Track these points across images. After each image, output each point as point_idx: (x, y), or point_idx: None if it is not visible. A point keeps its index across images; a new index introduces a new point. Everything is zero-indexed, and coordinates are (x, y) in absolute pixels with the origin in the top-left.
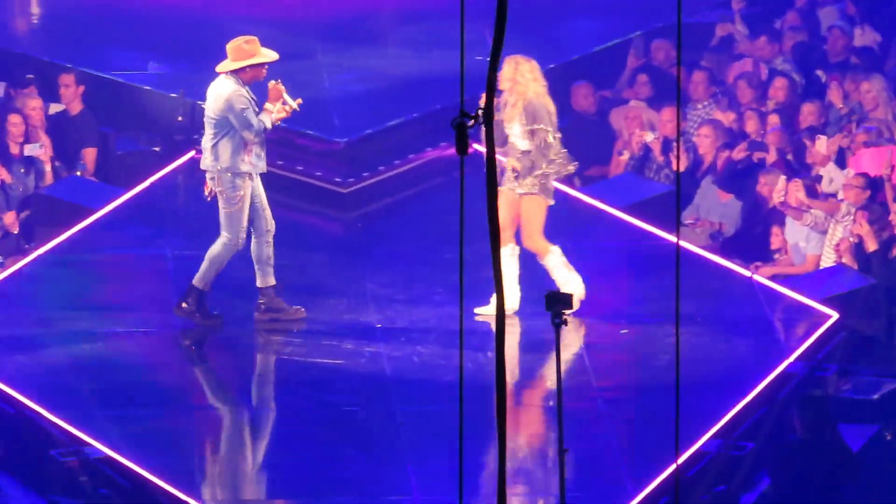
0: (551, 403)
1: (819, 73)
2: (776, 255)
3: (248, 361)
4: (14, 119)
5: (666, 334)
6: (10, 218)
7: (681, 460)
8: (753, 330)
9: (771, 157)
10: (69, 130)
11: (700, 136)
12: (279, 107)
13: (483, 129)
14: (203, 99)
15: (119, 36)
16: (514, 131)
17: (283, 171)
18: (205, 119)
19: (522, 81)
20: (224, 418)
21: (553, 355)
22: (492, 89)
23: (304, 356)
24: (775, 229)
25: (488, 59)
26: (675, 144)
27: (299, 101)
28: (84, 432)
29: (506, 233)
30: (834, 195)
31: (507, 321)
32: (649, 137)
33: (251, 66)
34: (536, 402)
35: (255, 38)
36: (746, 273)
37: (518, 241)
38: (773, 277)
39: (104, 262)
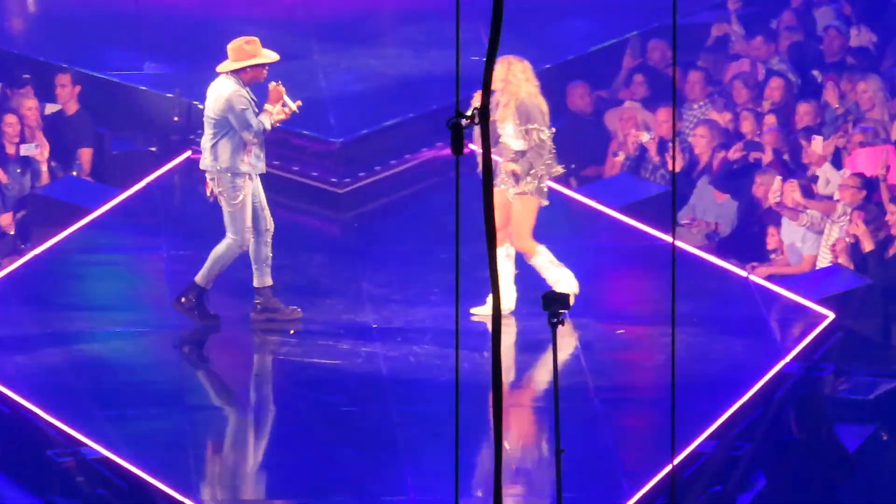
0: (545, 404)
1: (815, 73)
2: (772, 256)
3: (244, 362)
4: (10, 119)
5: (662, 334)
6: (6, 219)
7: (677, 460)
8: (750, 330)
9: (767, 157)
10: (65, 130)
11: (696, 137)
12: (279, 108)
13: (475, 128)
14: (199, 99)
15: (115, 36)
16: (507, 131)
17: (279, 172)
18: (204, 119)
19: (515, 82)
20: (221, 418)
21: (548, 355)
22: (488, 89)
23: (301, 356)
24: (771, 229)
25: (484, 59)
26: (670, 145)
27: (299, 102)
28: (81, 432)
29: (501, 233)
30: (830, 197)
31: (503, 322)
32: (645, 138)
33: (251, 67)
34: (532, 403)
35: (256, 38)
36: (743, 273)
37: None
38: (769, 277)
39: (100, 262)
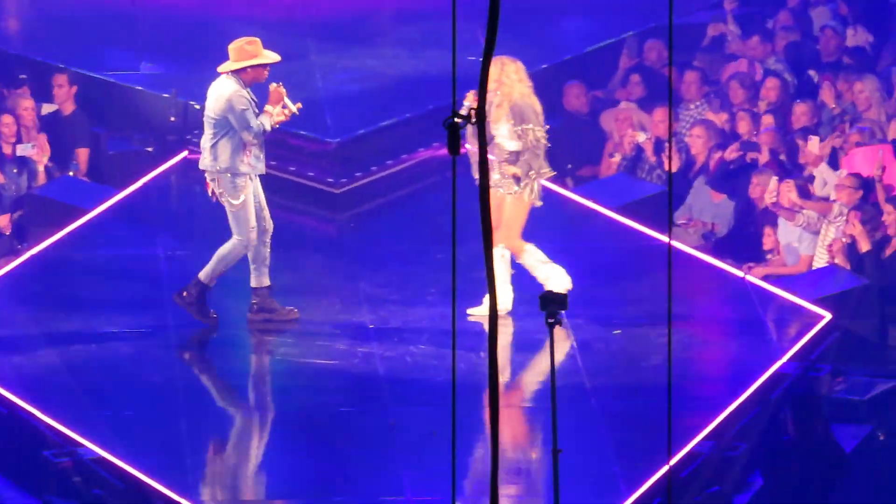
0: (541, 405)
1: (811, 73)
2: (769, 256)
3: (241, 362)
4: (6, 119)
5: (659, 335)
6: (3, 219)
7: (674, 461)
8: (746, 330)
9: (763, 157)
10: (62, 131)
11: (692, 137)
12: (279, 109)
13: (468, 128)
14: (196, 99)
15: (112, 36)
16: (501, 132)
17: (276, 172)
18: (204, 119)
19: (508, 82)
20: (217, 419)
21: (544, 356)
22: (484, 89)
23: (298, 357)
24: (768, 230)
25: (480, 58)
26: (667, 145)
27: (299, 105)
28: (77, 433)
29: (496, 233)
30: (827, 197)
31: (500, 322)
32: (641, 138)
33: (252, 67)
34: (529, 403)
35: (258, 39)
36: (739, 273)
37: None
38: (765, 278)
39: (97, 262)
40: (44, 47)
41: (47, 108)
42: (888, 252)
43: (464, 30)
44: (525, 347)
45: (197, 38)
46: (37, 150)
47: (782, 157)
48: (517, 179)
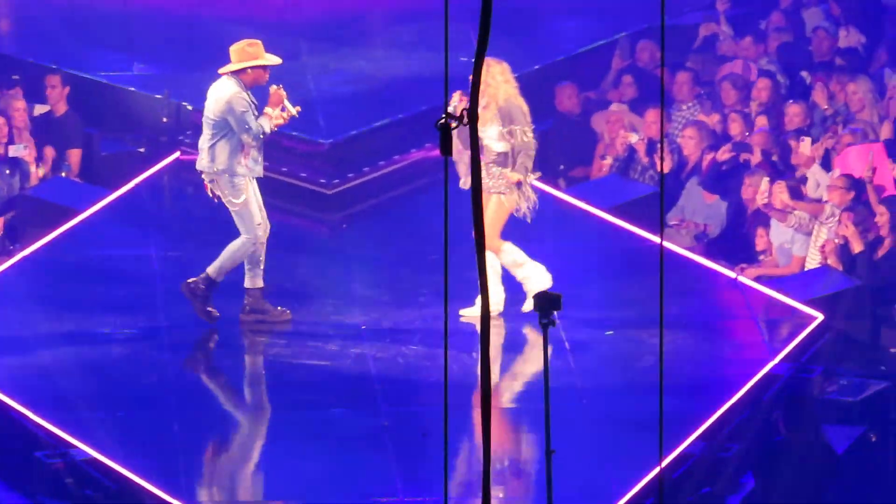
0: (533, 405)
1: (804, 74)
2: (761, 257)
3: (234, 363)
4: None
5: (650, 336)
6: None
7: (666, 462)
8: (738, 331)
9: (756, 158)
10: (54, 131)
11: (685, 138)
12: (278, 112)
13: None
14: (188, 100)
15: (104, 37)
16: (489, 134)
17: (268, 173)
18: (203, 120)
19: (494, 84)
20: (210, 420)
21: (536, 356)
22: (476, 90)
23: (290, 357)
24: (760, 231)
25: (472, 59)
26: (659, 146)
27: (298, 108)
28: (70, 434)
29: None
30: (820, 199)
31: (492, 323)
32: (634, 139)
33: (253, 69)
34: (520, 404)
35: (259, 41)
36: (731, 274)
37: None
38: (758, 279)
39: (89, 263)
40: (36, 48)
41: (39, 109)
42: (880, 253)
43: (456, 30)
44: (517, 348)
45: (189, 39)
46: (28, 151)
47: (774, 158)
48: (519, 185)
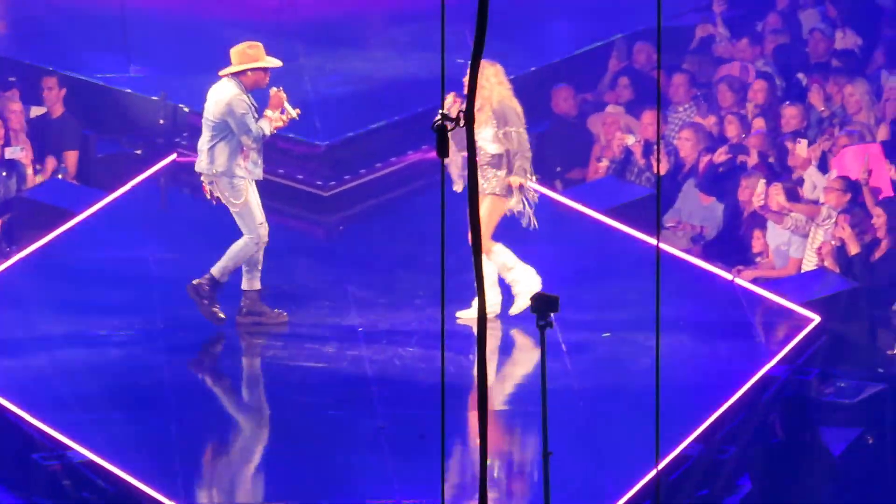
0: (530, 408)
1: (800, 75)
2: (758, 259)
3: (231, 365)
4: None
5: (647, 338)
6: None
7: (662, 464)
8: (735, 333)
9: (752, 160)
10: (51, 133)
11: (681, 140)
12: (278, 114)
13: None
14: (185, 102)
15: (101, 39)
16: (483, 135)
17: (265, 175)
18: (203, 121)
19: (487, 86)
20: (206, 422)
21: (532, 358)
22: (473, 92)
23: (287, 359)
24: (757, 232)
25: (469, 61)
26: (656, 147)
27: (298, 110)
28: (66, 436)
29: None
30: (817, 200)
31: (489, 325)
32: (630, 141)
33: (253, 71)
34: (517, 406)
35: (260, 43)
36: (728, 276)
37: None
38: (754, 281)
39: (86, 265)
40: (33, 50)
41: (36, 111)
42: (877, 255)
43: (452, 32)
44: (513, 350)
45: (186, 41)
46: (25, 153)
47: (771, 160)
48: (521, 188)
